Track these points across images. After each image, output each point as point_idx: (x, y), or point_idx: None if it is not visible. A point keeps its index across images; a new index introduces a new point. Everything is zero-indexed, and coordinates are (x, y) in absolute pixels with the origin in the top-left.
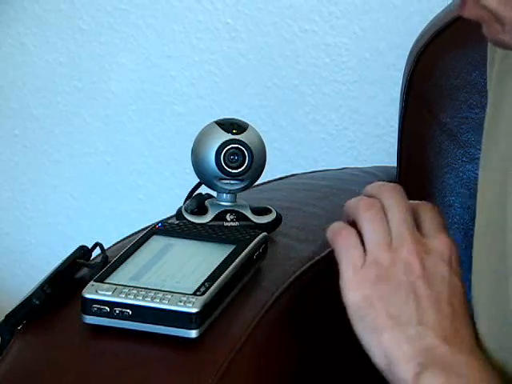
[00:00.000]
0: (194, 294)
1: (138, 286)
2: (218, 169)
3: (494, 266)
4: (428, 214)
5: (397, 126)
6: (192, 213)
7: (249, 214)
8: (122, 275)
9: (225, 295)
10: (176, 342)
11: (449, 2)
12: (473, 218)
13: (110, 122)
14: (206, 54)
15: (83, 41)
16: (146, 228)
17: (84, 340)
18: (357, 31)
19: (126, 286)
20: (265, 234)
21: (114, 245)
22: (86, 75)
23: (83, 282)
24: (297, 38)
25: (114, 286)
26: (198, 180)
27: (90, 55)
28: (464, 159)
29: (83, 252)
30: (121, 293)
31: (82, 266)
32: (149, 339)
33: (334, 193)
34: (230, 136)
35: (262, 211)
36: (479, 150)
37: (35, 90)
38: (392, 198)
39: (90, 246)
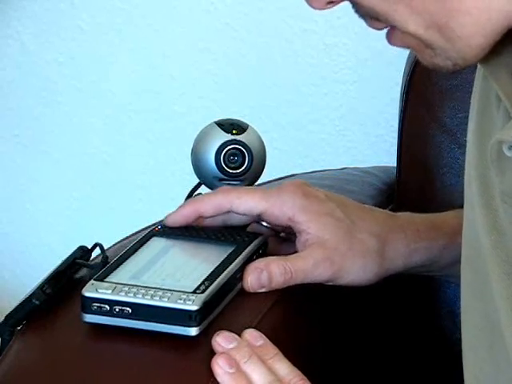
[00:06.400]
0: (194, 291)
1: (137, 284)
2: (218, 169)
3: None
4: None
5: (397, 126)
6: None
7: None
8: (121, 274)
9: (225, 294)
10: (176, 340)
11: None
12: None
13: (109, 122)
14: (206, 53)
15: (83, 41)
16: (146, 228)
17: (84, 339)
18: (357, 31)
19: (125, 284)
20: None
21: (114, 245)
22: (86, 75)
23: (83, 282)
24: (297, 38)
25: (114, 285)
26: (198, 180)
27: (90, 55)
28: (464, 159)
29: (83, 252)
30: (120, 291)
31: (82, 266)
32: (149, 337)
33: (333, 193)
34: (229, 136)
35: None
36: None
37: (35, 90)
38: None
39: (89, 246)
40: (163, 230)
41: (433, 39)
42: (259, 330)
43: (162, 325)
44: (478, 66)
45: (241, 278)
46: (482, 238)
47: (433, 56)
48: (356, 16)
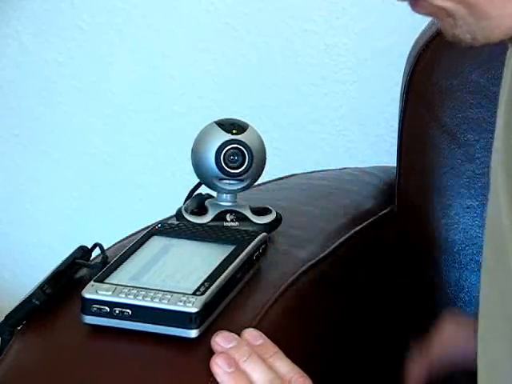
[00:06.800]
0: (194, 293)
1: (137, 286)
2: (218, 169)
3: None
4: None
5: (397, 126)
6: (192, 213)
7: (249, 214)
8: (121, 275)
9: (224, 295)
10: (176, 342)
11: None
12: (472, 218)
13: (110, 122)
14: (206, 53)
15: (83, 41)
16: (146, 228)
17: (84, 340)
18: (357, 31)
19: (125, 286)
20: (265, 234)
21: (113, 245)
22: (86, 75)
23: (83, 282)
24: (297, 38)
25: (114, 286)
26: (198, 180)
27: (90, 55)
28: (464, 159)
29: (83, 252)
30: (120, 293)
31: (82, 266)
32: (149, 339)
33: (333, 193)
34: (229, 136)
35: (261, 211)
36: (479, 149)
37: (35, 89)
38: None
39: (89, 246)
40: (163, 229)
41: (458, 13)
42: (260, 327)
43: (162, 327)
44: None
45: (241, 277)
46: (505, 228)
47: (453, 26)
48: (356, 16)
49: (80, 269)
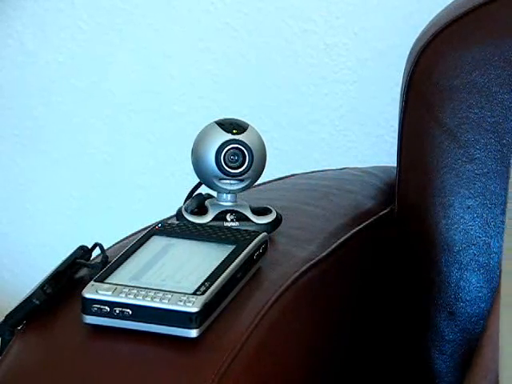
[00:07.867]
0: (194, 293)
1: (138, 285)
2: (218, 169)
3: None
4: None
5: (397, 126)
6: (192, 213)
7: (249, 214)
8: (122, 275)
9: (225, 295)
10: (176, 342)
11: (449, 2)
12: (472, 218)
13: (109, 122)
14: (206, 53)
15: (83, 41)
16: (146, 228)
17: (84, 340)
18: (357, 31)
19: (126, 285)
20: (265, 234)
21: (114, 245)
22: (86, 75)
23: (83, 282)
24: (297, 38)
25: (114, 286)
26: (198, 180)
27: (90, 55)
28: (464, 159)
29: (83, 252)
30: (121, 293)
31: (82, 266)
32: (149, 339)
33: (333, 193)
34: (230, 136)
35: (262, 211)
36: (479, 149)
37: (35, 89)
38: None
39: (90, 246)
40: (163, 229)
41: None
42: (259, 330)
43: (163, 326)
44: None
45: (241, 277)
46: None
47: None
48: (356, 16)
49: (80, 269)
